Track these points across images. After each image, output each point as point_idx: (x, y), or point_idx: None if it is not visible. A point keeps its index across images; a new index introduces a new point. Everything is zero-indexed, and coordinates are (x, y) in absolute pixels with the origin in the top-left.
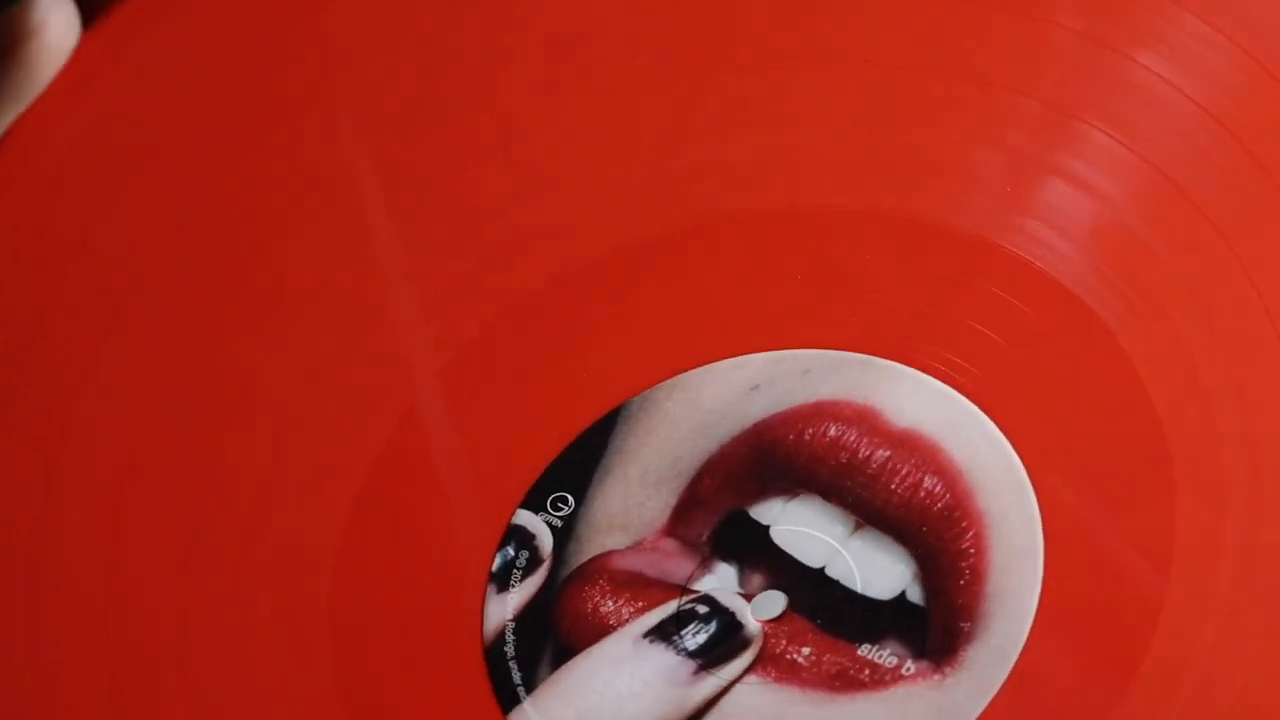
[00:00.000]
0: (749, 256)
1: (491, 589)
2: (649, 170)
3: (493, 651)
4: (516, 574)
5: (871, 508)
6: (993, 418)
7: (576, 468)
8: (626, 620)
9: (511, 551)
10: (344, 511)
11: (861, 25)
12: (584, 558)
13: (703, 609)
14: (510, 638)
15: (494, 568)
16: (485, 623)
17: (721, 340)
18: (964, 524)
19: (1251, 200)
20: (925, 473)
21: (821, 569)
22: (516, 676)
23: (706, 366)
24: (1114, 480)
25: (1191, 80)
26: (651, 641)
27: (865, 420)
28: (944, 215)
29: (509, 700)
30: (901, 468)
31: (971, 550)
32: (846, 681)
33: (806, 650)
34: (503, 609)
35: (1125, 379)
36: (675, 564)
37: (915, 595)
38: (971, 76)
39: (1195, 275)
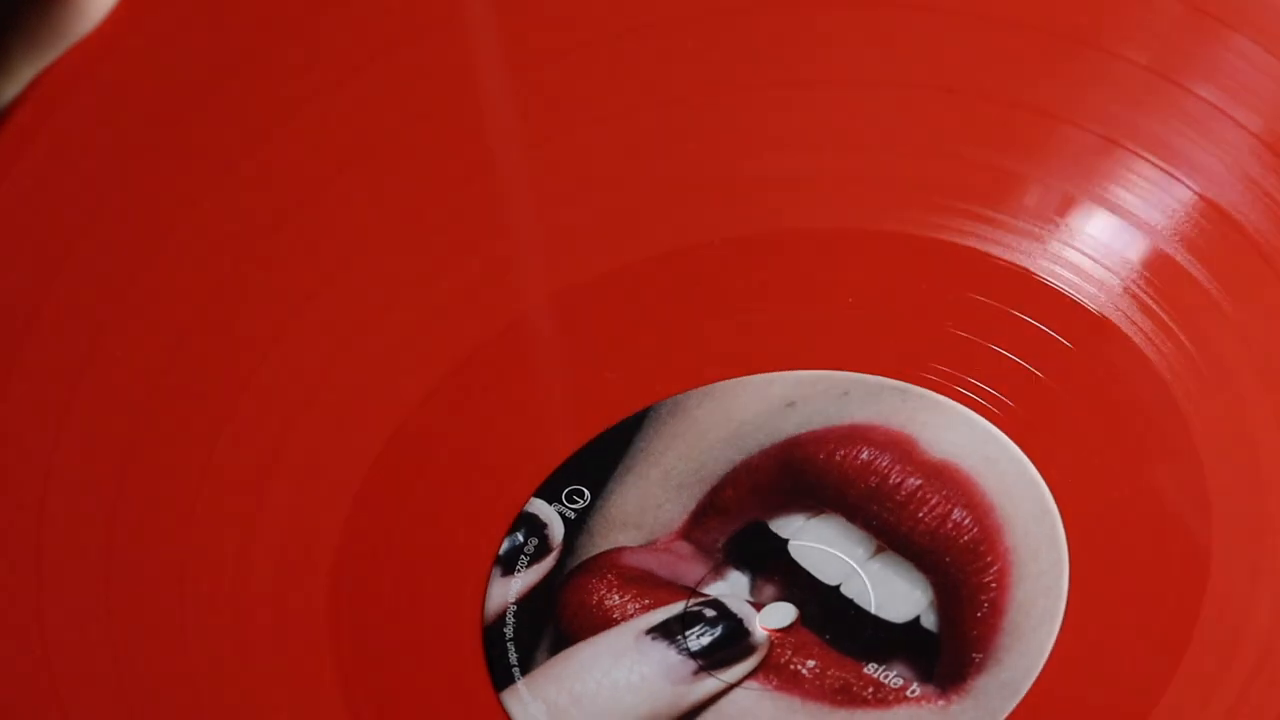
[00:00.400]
0: (798, 273)
1: (496, 571)
2: (709, 178)
3: (491, 631)
4: (523, 560)
5: (896, 534)
6: (1030, 456)
7: (597, 463)
8: (631, 616)
9: (520, 537)
10: (355, 485)
11: (925, 53)
12: (594, 551)
13: (710, 612)
14: (510, 620)
15: (501, 551)
16: (487, 603)
17: (759, 354)
18: (989, 559)
19: None
20: (955, 505)
21: (837, 587)
22: (513, 657)
23: (741, 378)
24: (1148, 527)
25: (1247, 111)
26: (654, 638)
27: (899, 447)
28: (994, 246)
29: (503, 679)
30: (931, 498)
31: (993, 585)
32: (849, 697)
33: (811, 663)
34: (505, 592)
35: (1173, 425)
36: (687, 567)
37: (929, 622)
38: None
39: (1250, 314)
